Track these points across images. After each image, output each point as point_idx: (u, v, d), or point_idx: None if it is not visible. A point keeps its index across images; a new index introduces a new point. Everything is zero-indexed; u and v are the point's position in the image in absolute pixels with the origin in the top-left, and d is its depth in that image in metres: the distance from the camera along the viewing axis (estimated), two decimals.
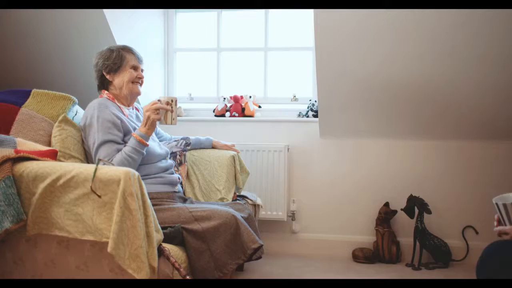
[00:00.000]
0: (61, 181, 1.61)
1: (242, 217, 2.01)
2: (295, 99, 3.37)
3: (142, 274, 1.55)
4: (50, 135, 2.04)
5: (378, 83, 2.85)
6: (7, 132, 1.97)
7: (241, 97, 3.37)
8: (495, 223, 1.55)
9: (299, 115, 3.27)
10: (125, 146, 2.01)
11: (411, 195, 2.93)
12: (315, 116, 3.18)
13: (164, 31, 3.52)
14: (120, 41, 2.93)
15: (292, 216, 3.23)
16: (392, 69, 2.76)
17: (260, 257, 2.04)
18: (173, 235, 1.84)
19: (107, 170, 1.60)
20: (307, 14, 3.22)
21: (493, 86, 2.74)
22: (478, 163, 3.04)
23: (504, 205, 1.49)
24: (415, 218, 2.90)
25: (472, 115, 2.91)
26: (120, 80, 2.15)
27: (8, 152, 1.69)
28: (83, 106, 2.31)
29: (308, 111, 3.24)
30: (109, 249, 1.52)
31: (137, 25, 3.20)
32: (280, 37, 3.45)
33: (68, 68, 3.21)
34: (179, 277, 1.75)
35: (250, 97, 3.36)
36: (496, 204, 1.52)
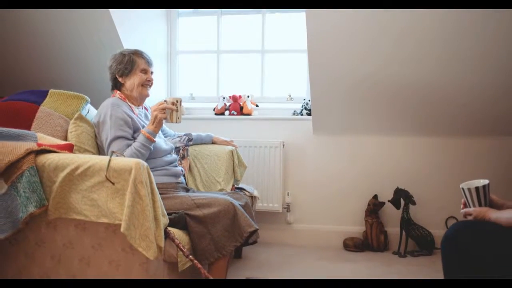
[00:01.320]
0: (79, 171, 1.80)
1: (239, 204, 2.20)
2: (290, 98, 3.51)
3: (150, 252, 1.73)
4: (66, 131, 2.22)
5: (367, 85, 2.97)
6: (28, 128, 2.17)
7: (240, 96, 3.50)
8: (462, 206, 1.75)
9: (294, 114, 3.42)
10: (134, 142, 2.19)
11: (397, 188, 3.09)
12: (309, 114, 3.33)
13: (167, 35, 3.67)
14: (126, 43, 3.09)
15: (287, 207, 3.37)
16: (383, 71, 2.88)
17: (255, 242, 2.21)
18: (177, 220, 2.03)
19: (120, 161, 1.79)
20: (301, 18, 3.37)
21: (482, 85, 2.84)
22: (460, 158, 3.18)
23: (469, 190, 1.69)
24: (401, 209, 3.07)
25: (458, 113, 3.03)
26: (131, 83, 2.33)
27: (31, 145, 1.88)
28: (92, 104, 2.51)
29: (302, 110, 3.39)
30: (122, 230, 1.70)
31: (142, 29, 3.35)
32: (276, 40, 3.57)
33: (74, 68, 3.35)
34: (183, 257, 1.95)
35: (248, 96, 3.48)
36: (462, 189, 1.72)
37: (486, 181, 1.69)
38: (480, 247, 1.54)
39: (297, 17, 3.48)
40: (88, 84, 3.33)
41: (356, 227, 3.29)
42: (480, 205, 1.68)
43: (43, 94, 2.32)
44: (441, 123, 3.14)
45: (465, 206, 1.74)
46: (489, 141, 3.17)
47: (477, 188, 1.68)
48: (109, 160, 1.78)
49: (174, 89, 3.72)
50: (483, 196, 1.68)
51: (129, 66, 2.32)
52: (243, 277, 2.55)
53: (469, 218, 1.68)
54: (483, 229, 1.59)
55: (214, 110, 3.54)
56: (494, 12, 2.44)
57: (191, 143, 2.77)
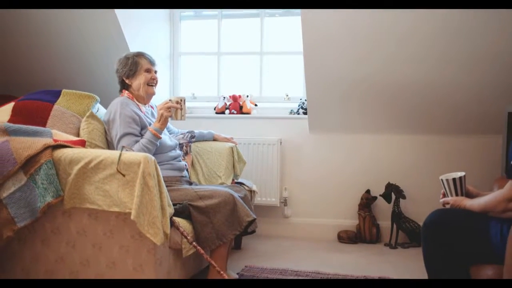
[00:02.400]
0: (92, 164, 1.96)
1: (239, 196, 2.35)
2: (287, 98, 3.63)
3: (158, 238, 1.89)
4: (79, 128, 2.39)
5: (362, 86, 3.11)
6: (44, 125, 2.33)
7: (239, 96, 3.63)
8: (441, 196, 1.91)
9: (290, 113, 3.54)
10: (142, 138, 2.35)
11: (388, 183, 3.22)
12: (305, 113, 3.45)
13: (170, 37, 3.81)
14: (132, 45, 3.24)
15: (284, 202, 3.50)
16: (378, 74, 3.00)
17: (254, 231, 2.37)
18: (181, 210, 2.19)
19: (129, 155, 1.95)
20: (298, 21, 3.51)
21: (465, 84, 2.96)
22: (448, 155, 3.29)
23: (447, 181, 1.85)
24: (392, 203, 3.21)
25: (452, 112, 3.14)
26: (137, 83, 2.48)
27: (48, 141, 2.05)
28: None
29: (299, 109, 3.52)
30: (132, 217, 1.86)
31: (146, 32, 3.49)
32: (274, 42, 3.71)
33: (79, 69, 3.49)
34: (187, 244, 2.11)
35: (247, 96, 3.62)
36: (442, 180, 1.88)
37: (462, 173, 1.85)
38: (455, 232, 1.70)
39: (295, 20, 3.58)
40: (92, 84, 3.46)
41: (349, 221, 3.41)
42: (457, 194, 1.83)
43: (56, 94, 2.48)
44: (433, 122, 3.25)
45: (444, 195, 1.90)
46: (483, 139, 3.25)
47: (454, 179, 1.84)
48: (120, 154, 1.94)
49: (177, 89, 3.85)
50: (459, 186, 1.83)
51: (134, 67, 2.47)
52: (243, 266, 2.70)
53: (447, 206, 1.84)
54: (458, 216, 1.74)
55: (215, 109, 3.66)
56: (495, 13, 2.53)
57: (193, 140, 2.91)
